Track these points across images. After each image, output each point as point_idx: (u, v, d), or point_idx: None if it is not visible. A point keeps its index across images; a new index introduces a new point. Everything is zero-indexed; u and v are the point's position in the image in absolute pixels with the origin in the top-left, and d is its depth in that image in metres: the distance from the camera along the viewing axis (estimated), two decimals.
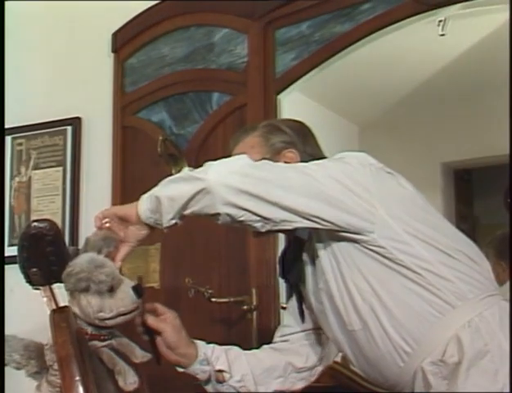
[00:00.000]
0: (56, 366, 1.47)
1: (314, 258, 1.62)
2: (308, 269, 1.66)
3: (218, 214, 1.46)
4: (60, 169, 3.07)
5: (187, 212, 1.48)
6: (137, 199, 1.53)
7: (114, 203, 2.84)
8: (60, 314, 1.50)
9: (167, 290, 2.76)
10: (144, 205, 1.50)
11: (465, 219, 4.29)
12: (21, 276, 1.53)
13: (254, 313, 2.58)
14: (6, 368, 1.55)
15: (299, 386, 1.80)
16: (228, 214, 1.46)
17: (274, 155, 1.69)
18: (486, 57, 3.37)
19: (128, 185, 2.88)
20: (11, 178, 3.17)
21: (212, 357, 1.70)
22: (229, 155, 1.64)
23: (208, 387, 1.72)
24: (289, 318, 1.85)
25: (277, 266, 1.98)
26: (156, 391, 1.73)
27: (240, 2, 2.78)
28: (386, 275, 1.51)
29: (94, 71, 3.09)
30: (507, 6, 2.43)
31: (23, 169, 3.16)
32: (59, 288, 1.55)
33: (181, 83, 2.90)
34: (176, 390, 2.20)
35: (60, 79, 3.16)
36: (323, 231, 1.55)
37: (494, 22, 3.05)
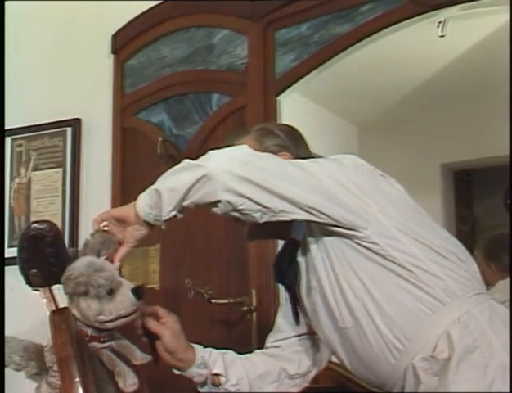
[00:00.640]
0: (55, 367, 1.48)
1: (307, 257, 1.63)
2: (302, 269, 1.67)
3: (219, 201, 1.46)
4: (60, 170, 3.07)
5: (188, 202, 1.49)
6: None
7: (113, 204, 2.83)
8: (59, 316, 1.50)
9: (167, 291, 2.76)
10: (142, 202, 1.51)
11: (465, 220, 4.29)
12: (21, 277, 1.53)
13: (254, 314, 2.58)
14: (6, 370, 1.56)
15: (293, 390, 1.81)
16: (229, 202, 1.46)
17: None
18: (485, 58, 3.37)
19: (128, 186, 2.88)
20: (11, 179, 3.16)
21: (209, 361, 1.70)
22: None
23: (204, 389, 1.72)
24: (282, 321, 1.84)
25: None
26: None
27: (240, 3, 2.78)
28: (378, 272, 1.53)
29: (94, 72, 3.09)
30: (507, 8, 2.43)
31: (23, 171, 3.16)
32: (58, 290, 1.55)
33: (181, 85, 2.90)
34: (175, 391, 2.19)
35: (60, 80, 3.16)
36: (317, 228, 1.57)
37: (494, 23, 3.05)
